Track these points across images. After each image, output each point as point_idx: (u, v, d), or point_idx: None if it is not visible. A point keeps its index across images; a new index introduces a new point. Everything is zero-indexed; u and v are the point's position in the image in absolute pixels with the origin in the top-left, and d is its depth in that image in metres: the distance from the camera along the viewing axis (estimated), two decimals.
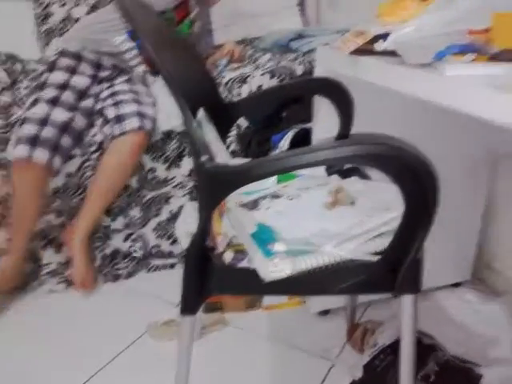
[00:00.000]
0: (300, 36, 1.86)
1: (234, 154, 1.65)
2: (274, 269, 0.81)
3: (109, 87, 1.71)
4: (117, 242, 1.75)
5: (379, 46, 0.94)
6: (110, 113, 1.61)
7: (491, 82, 0.72)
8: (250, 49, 2.01)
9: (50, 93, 1.60)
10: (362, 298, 1.49)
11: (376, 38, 0.99)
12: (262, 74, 1.67)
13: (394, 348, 1.27)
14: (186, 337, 0.90)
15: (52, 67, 1.68)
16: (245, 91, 1.65)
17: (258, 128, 1.58)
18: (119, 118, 1.57)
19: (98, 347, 1.43)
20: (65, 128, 1.56)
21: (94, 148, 1.65)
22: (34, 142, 1.49)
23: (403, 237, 0.80)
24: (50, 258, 1.69)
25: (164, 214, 1.79)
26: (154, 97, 1.75)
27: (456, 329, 1.43)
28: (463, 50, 0.83)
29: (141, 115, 1.58)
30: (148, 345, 1.44)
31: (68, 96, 1.61)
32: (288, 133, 1.48)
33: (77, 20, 2.07)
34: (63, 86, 1.63)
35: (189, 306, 0.87)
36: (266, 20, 2.23)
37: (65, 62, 1.68)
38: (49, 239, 1.67)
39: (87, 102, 1.67)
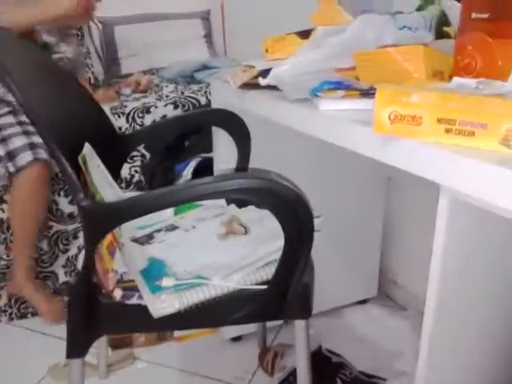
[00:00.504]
0: (205, 67, 1.90)
1: (138, 184, 1.63)
2: (161, 305, 0.81)
3: None
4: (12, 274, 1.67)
5: (262, 81, 0.99)
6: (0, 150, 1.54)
7: (357, 116, 0.78)
8: (155, 79, 2.02)
9: None
10: (273, 322, 1.52)
11: (260, 73, 1.04)
12: (166, 105, 1.68)
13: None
14: (77, 382, 0.87)
15: None
16: (148, 121, 1.66)
17: (162, 158, 1.58)
18: (11, 155, 1.51)
19: None
20: None
21: None
22: None
23: (286, 264, 0.83)
24: None
25: (73, 250, 1.73)
26: None
27: (363, 345, 1.49)
28: (336, 87, 0.89)
29: (33, 146, 1.53)
30: None
31: None
32: (191, 162, 1.50)
33: None
34: None
35: (76, 348, 0.85)
36: (173, 50, 2.25)
37: None
38: None
39: None
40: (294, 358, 1.38)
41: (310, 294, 0.90)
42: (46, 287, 1.70)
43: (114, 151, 1.12)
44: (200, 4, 2.43)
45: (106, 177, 1.01)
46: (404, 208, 1.65)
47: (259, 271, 0.88)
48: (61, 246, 1.72)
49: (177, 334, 1.55)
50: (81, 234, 1.71)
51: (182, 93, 1.76)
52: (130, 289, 0.87)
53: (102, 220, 0.76)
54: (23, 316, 1.68)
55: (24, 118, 1.63)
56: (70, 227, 1.70)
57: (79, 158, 0.90)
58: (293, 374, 1.34)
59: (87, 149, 0.94)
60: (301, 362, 0.95)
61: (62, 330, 1.52)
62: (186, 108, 1.70)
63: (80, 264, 1.65)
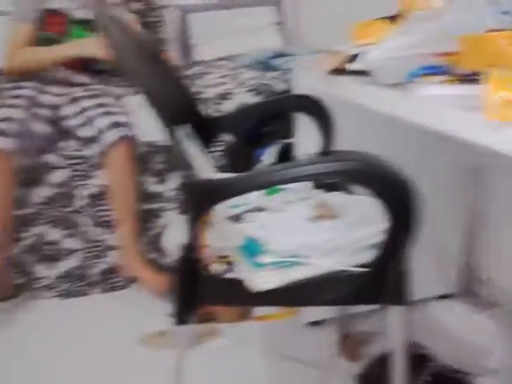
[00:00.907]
0: (280, 54, 1.92)
1: (222, 168, 1.68)
2: (261, 280, 0.85)
3: (72, 103, 1.72)
4: (113, 257, 1.78)
5: (352, 66, 1.00)
6: (85, 132, 1.62)
7: (461, 102, 0.78)
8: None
9: None
10: (354, 309, 1.50)
11: (350, 59, 1.05)
12: (244, 92, 1.73)
13: (385, 358, 1.30)
14: (180, 346, 0.94)
15: None
16: (227, 107, 1.70)
17: (243, 143, 1.62)
18: (97, 135, 1.59)
19: (92, 356, 1.46)
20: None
21: (80, 161, 1.68)
22: None
23: (387, 250, 0.84)
24: (43, 272, 1.73)
25: (156, 228, 1.81)
26: (128, 106, 1.76)
27: (447, 339, 1.44)
28: (433, 72, 0.89)
29: (117, 125, 1.60)
30: (141, 354, 1.47)
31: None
32: (271, 148, 1.53)
33: None
34: None
35: (181, 316, 0.91)
36: (247, 37, 2.28)
37: None
38: (42, 254, 1.72)
39: (44, 111, 1.69)
40: (377, 347, 1.38)
41: (408, 281, 0.90)
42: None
43: (204, 134, 1.17)
44: None
45: (202, 157, 1.06)
46: (495, 202, 1.59)
47: (354, 254, 0.90)
48: (146, 224, 1.80)
49: (258, 313, 1.60)
50: (164, 213, 1.80)
51: (260, 80, 1.79)
52: (227, 264, 0.93)
53: (210, 196, 0.81)
54: (113, 289, 1.80)
55: (103, 100, 1.71)
56: (155, 206, 1.78)
57: (178, 138, 0.95)
58: (377, 361, 1.33)
59: (185, 129, 1.00)
60: (396, 350, 0.94)
61: (153, 300, 1.64)
62: (265, 95, 1.73)
63: (165, 242, 1.76)
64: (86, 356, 1.47)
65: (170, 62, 1.26)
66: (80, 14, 1.78)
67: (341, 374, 1.35)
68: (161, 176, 1.75)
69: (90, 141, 1.63)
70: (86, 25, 1.77)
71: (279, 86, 1.78)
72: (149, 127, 1.66)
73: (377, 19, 1.20)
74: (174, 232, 1.64)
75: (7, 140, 1.52)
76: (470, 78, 0.84)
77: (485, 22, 0.89)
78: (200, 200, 0.84)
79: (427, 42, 0.93)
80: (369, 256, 0.88)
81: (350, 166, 0.72)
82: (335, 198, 1.11)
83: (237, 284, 0.88)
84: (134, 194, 1.67)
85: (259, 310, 1.60)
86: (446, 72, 0.88)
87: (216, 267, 0.92)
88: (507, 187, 1.52)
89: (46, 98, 1.72)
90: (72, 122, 1.69)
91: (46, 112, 1.69)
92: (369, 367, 1.33)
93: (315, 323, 1.56)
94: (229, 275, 0.91)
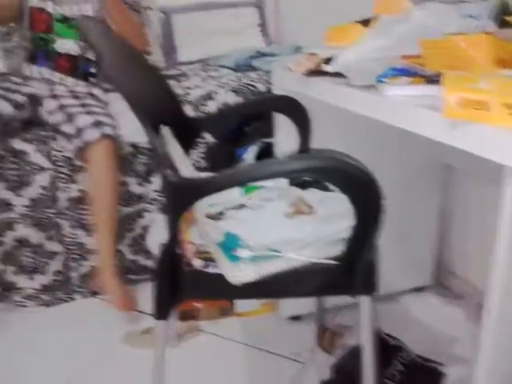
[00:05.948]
0: (261, 54, 1.97)
1: (203, 169, 1.72)
2: (239, 273, 0.89)
3: (53, 98, 1.73)
4: (94, 260, 1.78)
5: (327, 68, 1.04)
6: (67, 128, 1.63)
7: (424, 101, 0.83)
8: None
9: None
10: (332, 304, 1.56)
11: (324, 61, 1.09)
12: (226, 92, 1.76)
13: (359, 349, 1.34)
14: (161, 341, 0.97)
15: None
16: (211, 108, 1.74)
17: (224, 143, 1.66)
18: (78, 132, 1.59)
19: (77, 356, 1.49)
20: None
21: (63, 163, 1.69)
22: None
23: (355, 242, 0.89)
24: (24, 283, 1.73)
25: (138, 229, 1.83)
26: (114, 109, 1.76)
27: (420, 330, 1.51)
28: (401, 73, 0.94)
29: (97, 124, 1.61)
30: (126, 353, 1.49)
31: None
32: (252, 147, 1.57)
33: None
34: None
35: (162, 311, 0.94)
36: (229, 39, 2.33)
37: None
38: (21, 265, 1.71)
39: (17, 96, 1.71)
40: (352, 339, 1.41)
41: (376, 272, 0.95)
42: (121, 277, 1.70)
43: (185, 134, 1.21)
44: None
45: (182, 157, 1.10)
46: (465, 198, 1.66)
47: (327, 248, 0.95)
48: (127, 226, 1.82)
49: (238, 310, 1.64)
50: (146, 214, 1.82)
51: (241, 80, 1.83)
52: (208, 259, 0.96)
53: (190, 193, 0.85)
54: (96, 293, 1.78)
55: (87, 101, 1.72)
56: (137, 207, 1.80)
57: (159, 137, 0.98)
58: (351, 352, 1.37)
59: (166, 130, 1.04)
60: (366, 337, 1.00)
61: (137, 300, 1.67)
62: (246, 96, 1.77)
63: (148, 243, 1.78)
64: (68, 359, 1.48)
65: (152, 63, 1.28)
66: (60, 11, 1.77)
67: (318, 366, 1.39)
68: (144, 177, 1.77)
69: (70, 138, 1.64)
70: (68, 22, 1.76)
71: (260, 87, 1.82)
72: (133, 129, 1.70)
73: (350, 23, 1.25)
74: (158, 232, 1.66)
75: None
76: (435, 79, 0.89)
77: (447, 27, 0.94)
78: (180, 198, 0.88)
79: (396, 45, 0.99)
80: (340, 249, 0.92)
81: (319, 164, 0.76)
82: (311, 194, 1.15)
83: (217, 278, 0.92)
84: (114, 197, 1.64)
85: (240, 307, 1.63)
86: (413, 73, 0.93)
87: (197, 262, 0.96)
88: (474, 184, 1.58)
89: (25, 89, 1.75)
90: (53, 118, 1.70)
91: (18, 97, 1.71)
92: (343, 358, 1.38)
93: (294, 318, 1.60)
94: (209, 270, 0.94)
